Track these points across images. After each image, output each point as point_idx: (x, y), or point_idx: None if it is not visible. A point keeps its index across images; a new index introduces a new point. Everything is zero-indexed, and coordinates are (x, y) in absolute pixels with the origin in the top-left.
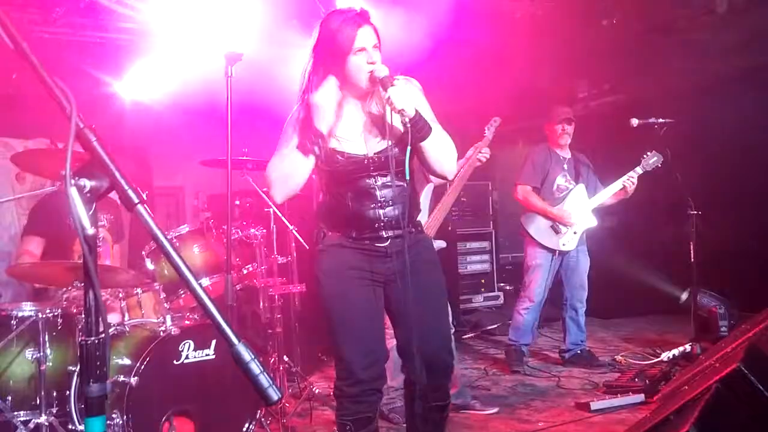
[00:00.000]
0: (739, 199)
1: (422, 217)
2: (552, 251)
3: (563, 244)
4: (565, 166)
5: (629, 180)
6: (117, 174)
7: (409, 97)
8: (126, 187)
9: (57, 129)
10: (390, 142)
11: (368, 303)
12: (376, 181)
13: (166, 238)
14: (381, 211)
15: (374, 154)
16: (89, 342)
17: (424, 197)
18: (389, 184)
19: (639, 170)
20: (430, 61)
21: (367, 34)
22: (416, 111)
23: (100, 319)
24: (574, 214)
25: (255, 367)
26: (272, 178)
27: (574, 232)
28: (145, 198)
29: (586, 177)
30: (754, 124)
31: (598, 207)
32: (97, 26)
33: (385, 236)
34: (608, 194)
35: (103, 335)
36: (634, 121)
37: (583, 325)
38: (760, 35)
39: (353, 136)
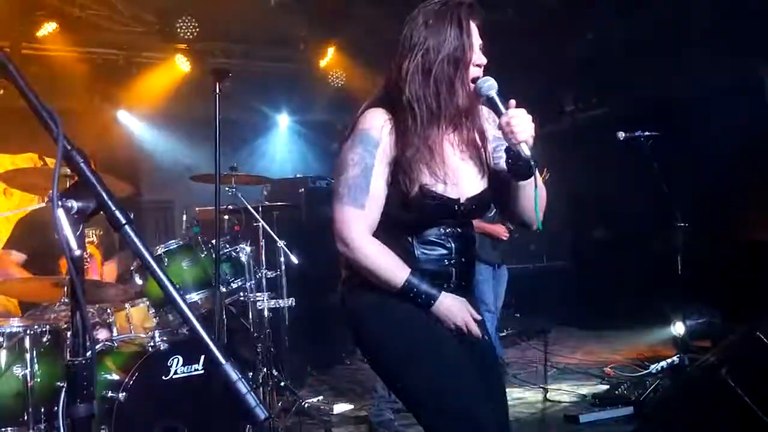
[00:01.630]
0: (727, 211)
1: None
2: (492, 265)
3: (501, 257)
4: None
5: None
6: (104, 195)
7: (530, 125)
8: (113, 208)
9: (45, 144)
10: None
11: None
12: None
13: (153, 258)
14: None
15: (467, 199)
16: (76, 362)
17: None
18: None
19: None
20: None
21: (476, 31)
22: None
23: (87, 339)
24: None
25: (242, 387)
26: (371, 269)
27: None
28: (132, 218)
29: None
30: (740, 137)
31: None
32: (86, 42)
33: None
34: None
35: (90, 356)
36: (621, 135)
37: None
38: (743, 47)
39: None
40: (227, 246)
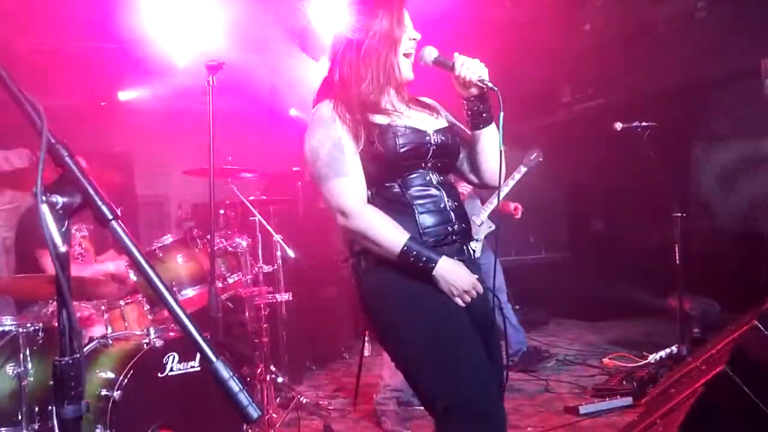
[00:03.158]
0: (724, 201)
1: None
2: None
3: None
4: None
5: (512, 179)
6: (90, 189)
7: (479, 63)
8: (100, 203)
9: (38, 139)
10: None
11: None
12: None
13: (142, 253)
14: (450, 214)
15: (434, 131)
16: (63, 362)
17: None
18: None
19: (523, 168)
20: (415, 67)
21: (407, 15)
22: None
23: (75, 338)
24: (473, 223)
25: (234, 385)
26: (370, 235)
27: (476, 240)
28: (119, 213)
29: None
30: (736, 128)
31: (495, 212)
32: (82, 36)
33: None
34: (500, 197)
35: (77, 355)
36: (618, 125)
37: (518, 325)
38: (740, 39)
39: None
40: (223, 240)
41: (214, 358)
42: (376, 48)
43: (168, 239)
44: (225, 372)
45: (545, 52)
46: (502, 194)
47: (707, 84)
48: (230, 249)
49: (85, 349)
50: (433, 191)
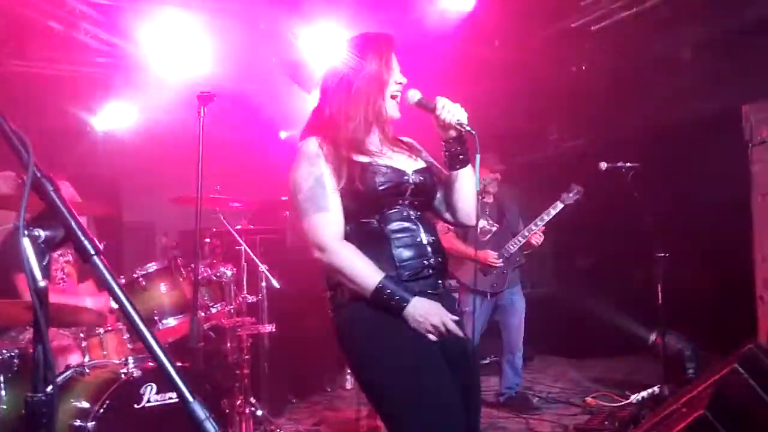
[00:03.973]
0: (705, 241)
1: None
2: (483, 294)
3: (493, 285)
4: (487, 210)
5: (546, 215)
6: (73, 224)
7: (458, 106)
8: (82, 238)
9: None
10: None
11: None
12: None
13: (123, 291)
14: (428, 249)
15: (413, 171)
16: (35, 398)
17: None
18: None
19: (559, 205)
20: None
21: (395, 59)
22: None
23: (49, 374)
24: (499, 254)
25: (210, 427)
26: (346, 272)
27: (503, 272)
28: (101, 248)
29: (510, 218)
30: (718, 167)
31: (526, 246)
32: (72, 60)
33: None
34: (532, 231)
35: (50, 391)
36: (603, 165)
37: (519, 369)
38: (722, 83)
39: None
40: (208, 270)
41: (190, 398)
42: (365, 90)
43: (152, 267)
44: (201, 413)
45: (533, 91)
46: (534, 230)
47: (691, 125)
48: (215, 278)
49: (60, 378)
50: (411, 226)
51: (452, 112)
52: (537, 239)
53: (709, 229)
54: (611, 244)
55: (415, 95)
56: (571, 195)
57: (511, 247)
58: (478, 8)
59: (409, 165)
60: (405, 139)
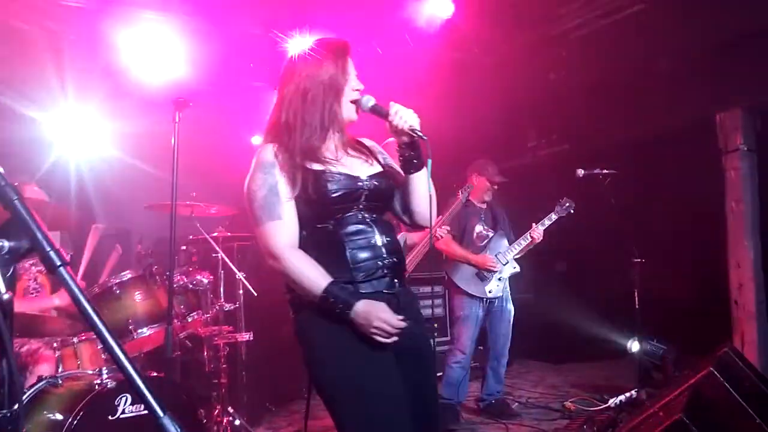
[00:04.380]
0: (681, 247)
1: None
2: (479, 299)
3: (489, 291)
4: (482, 216)
5: (542, 224)
6: (38, 234)
7: (412, 112)
8: (48, 249)
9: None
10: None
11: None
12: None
13: (90, 303)
14: (382, 250)
15: (368, 176)
16: (1, 416)
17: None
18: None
19: (554, 216)
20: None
21: (352, 64)
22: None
23: (14, 390)
24: (497, 259)
25: None
26: (295, 278)
27: (499, 279)
28: (68, 259)
29: (503, 225)
30: (693, 174)
31: (520, 253)
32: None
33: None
34: (527, 240)
35: (16, 408)
36: (580, 172)
37: (502, 376)
38: (696, 92)
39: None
40: (184, 278)
41: (161, 413)
42: (321, 97)
43: (126, 275)
44: (172, 428)
45: (512, 98)
46: (529, 239)
47: (667, 133)
48: (191, 286)
49: (33, 389)
50: (366, 228)
51: (404, 118)
52: (538, 234)
53: (685, 234)
54: (589, 250)
55: (369, 101)
56: (564, 207)
57: (508, 254)
58: (457, 15)
59: (364, 170)
60: (366, 141)
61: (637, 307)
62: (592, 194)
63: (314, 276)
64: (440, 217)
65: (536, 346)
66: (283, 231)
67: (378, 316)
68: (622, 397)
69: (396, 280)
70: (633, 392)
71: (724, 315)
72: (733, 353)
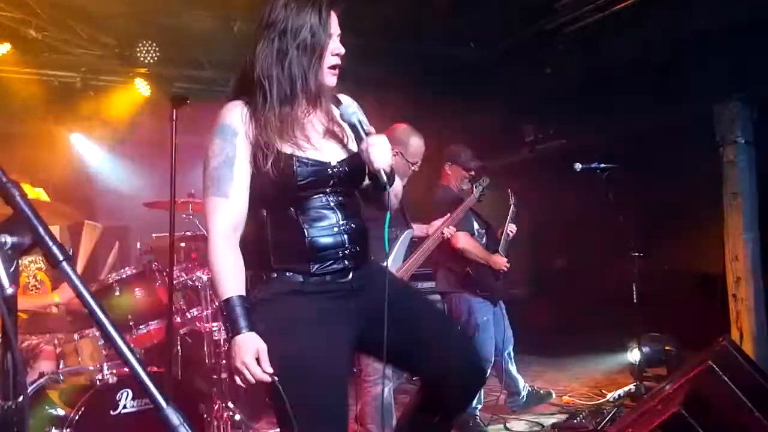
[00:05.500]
0: (679, 240)
1: (395, 264)
2: (494, 301)
3: (501, 291)
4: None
5: (512, 220)
6: (41, 230)
7: (388, 152)
8: (50, 244)
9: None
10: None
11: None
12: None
13: (93, 297)
14: (344, 237)
15: (337, 162)
16: (5, 407)
17: (402, 244)
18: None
19: (514, 208)
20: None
21: (336, 21)
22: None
23: (19, 382)
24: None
25: None
26: (211, 268)
27: (503, 277)
28: (71, 254)
29: (488, 222)
30: (691, 167)
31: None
32: (43, 64)
33: (349, 268)
34: (508, 238)
35: (21, 400)
36: (578, 166)
37: (516, 370)
38: (696, 84)
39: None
40: (183, 274)
41: (164, 404)
42: (297, 61)
43: (126, 272)
44: (175, 419)
45: (509, 91)
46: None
47: (664, 128)
48: (190, 283)
49: (35, 385)
50: (329, 213)
51: (377, 155)
52: (512, 230)
53: (683, 228)
54: (587, 244)
55: (352, 113)
56: (513, 201)
57: (504, 252)
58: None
59: (336, 154)
60: (344, 98)
61: (635, 300)
62: (591, 188)
63: (226, 280)
64: (449, 215)
65: (535, 341)
66: (225, 212)
67: (244, 360)
68: (620, 391)
69: (352, 272)
70: (632, 386)
71: (722, 308)
72: (732, 346)
